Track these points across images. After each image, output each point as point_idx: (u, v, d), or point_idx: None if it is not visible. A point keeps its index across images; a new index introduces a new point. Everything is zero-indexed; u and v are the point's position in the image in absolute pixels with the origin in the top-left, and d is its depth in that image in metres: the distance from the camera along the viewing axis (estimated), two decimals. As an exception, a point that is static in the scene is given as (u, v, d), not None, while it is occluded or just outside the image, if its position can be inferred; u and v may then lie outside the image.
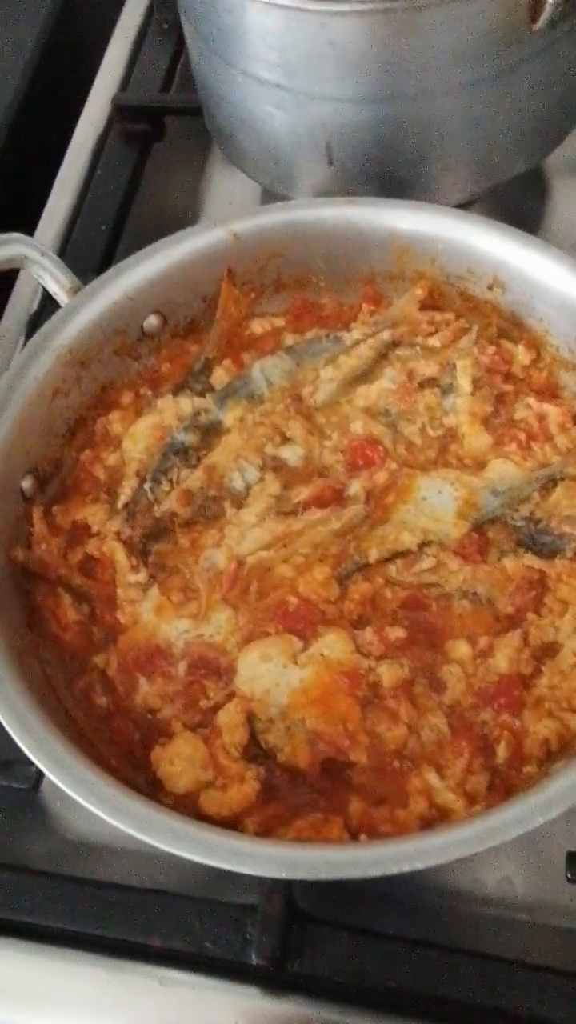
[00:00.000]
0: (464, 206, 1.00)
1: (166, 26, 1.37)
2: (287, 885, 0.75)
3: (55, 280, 0.88)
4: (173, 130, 1.30)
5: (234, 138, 1.09)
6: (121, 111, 1.27)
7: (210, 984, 0.76)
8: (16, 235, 0.89)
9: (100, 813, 0.65)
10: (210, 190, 1.29)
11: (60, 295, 0.89)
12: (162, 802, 0.70)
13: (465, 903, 0.81)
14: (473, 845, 0.60)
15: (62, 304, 0.89)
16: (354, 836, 0.69)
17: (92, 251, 1.15)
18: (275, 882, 0.75)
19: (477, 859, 0.82)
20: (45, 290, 0.92)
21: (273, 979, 0.75)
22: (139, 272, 0.90)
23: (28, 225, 1.20)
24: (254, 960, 0.74)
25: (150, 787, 0.73)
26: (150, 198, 1.26)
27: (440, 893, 0.82)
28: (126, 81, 1.32)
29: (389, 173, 1.01)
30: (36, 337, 0.87)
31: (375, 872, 0.60)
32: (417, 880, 0.82)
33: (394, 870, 0.59)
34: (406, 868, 0.59)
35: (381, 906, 0.80)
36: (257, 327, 0.96)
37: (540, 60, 0.95)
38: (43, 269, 0.88)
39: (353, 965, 0.74)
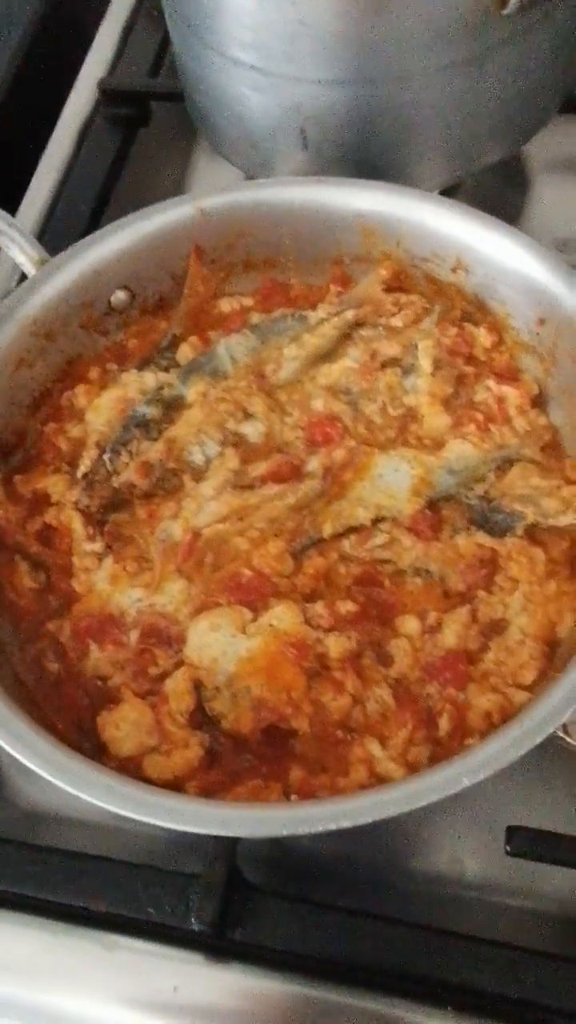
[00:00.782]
0: (444, 196, 1.01)
1: (156, 12, 1.37)
2: (231, 853, 0.76)
3: (22, 251, 0.89)
4: (159, 116, 1.31)
5: (213, 122, 1.10)
6: (107, 95, 1.28)
7: (152, 949, 0.76)
8: (-17, 205, 0.89)
9: (38, 770, 0.66)
10: (194, 177, 1.30)
11: (27, 266, 0.90)
12: (106, 766, 0.71)
13: (415, 881, 0.82)
14: (400, 805, 0.61)
15: (29, 276, 0.90)
16: (294, 803, 0.69)
17: (72, 232, 1.14)
18: (218, 849, 0.76)
19: (427, 838, 0.84)
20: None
21: (215, 946, 0.76)
22: (106, 246, 0.90)
23: (11, 205, 1.20)
24: (195, 926, 0.75)
25: (95, 752, 0.74)
26: (134, 183, 1.27)
27: (391, 871, 0.83)
28: (114, 65, 1.33)
29: (365, 159, 1.01)
30: (0, 308, 0.87)
31: (304, 829, 0.60)
32: (367, 858, 0.82)
33: (320, 828, 0.60)
34: (332, 826, 0.60)
35: (330, 882, 0.81)
36: (225, 306, 0.97)
37: (514, 46, 0.95)
38: (10, 240, 0.89)
39: (294, 934, 0.75)
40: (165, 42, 1.35)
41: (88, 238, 0.91)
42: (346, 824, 0.59)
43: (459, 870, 0.82)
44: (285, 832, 0.61)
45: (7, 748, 0.67)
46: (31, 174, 1.25)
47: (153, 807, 0.63)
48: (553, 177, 1.22)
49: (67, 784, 0.64)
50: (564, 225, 1.15)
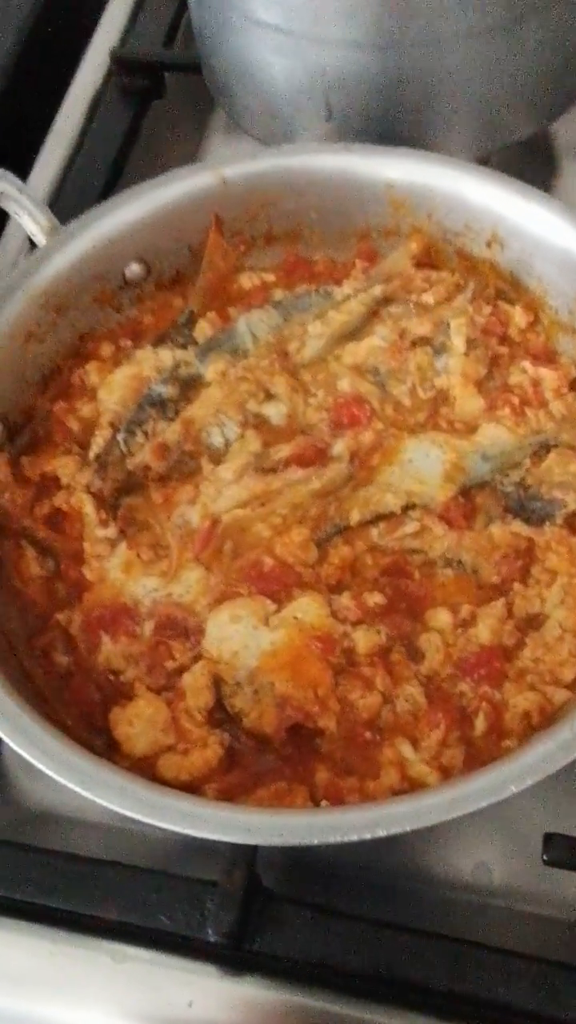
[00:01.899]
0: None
1: (172, -20, 1.33)
2: (249, 860, 0.71)
3: (32, 219, 0.85)
4: (174, 89, 1.26)
5: (232, 90, 1.05)
6: (119, 64, 1.23)
7: (165, 961, 0.72)
8: (-8, 169, 0.85)
9: (43, 767, 0.61)
10: (209, 153, 1.25)
11: (38, 236, 0.85)
12: (118, 765, 0.67)
13: (439, 888, 0.78)
14: (440, 813, 0.56)
15: (39, 245, 0.85)
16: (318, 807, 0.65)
17: (83, 206, 1.10)
18: (236, 856, 0.71)
19: (453, 843, 0.79)
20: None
21: (231, 958, 0.71)
22: (121, 215, 0.86)
23: (20, 176, 1.16)
24: (211, 937, 0.70)
25: (107, 750, 0.70)
26: (146, 157, 1.22)
27: (414, 878, 0.78)
28: (127, 34, 1.28)
29: (390, 129, 0.97)
30: (9, 279, 0.83)
31: (335, 838, 0.56)
32: (390, 863, 0.78)
33: (354, 837, 0.55)
34: (367, 835, 0.55)
35: (351, 889, 0.77)
36: (246, 281, 0.92)
37: (548, 13, 0.91)
38: (20, 207, 0.84)
39: (316, 945, 0.70)
40: (180, 11, 1.30)
41: (101, 206, 0.87)
42: (381, 834, 0.55)
43: (486, 878, 0.78)
44: (316, 841, 0.56)
45: (12, 745, 0.62)
46: (40, 144, 1.21)
47: (170, 811, 0.59)
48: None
49: (76, 784, 0.60)
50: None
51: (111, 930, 0.72)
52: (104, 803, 0.59)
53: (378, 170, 0.87)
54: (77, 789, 0.60)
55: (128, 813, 0.59)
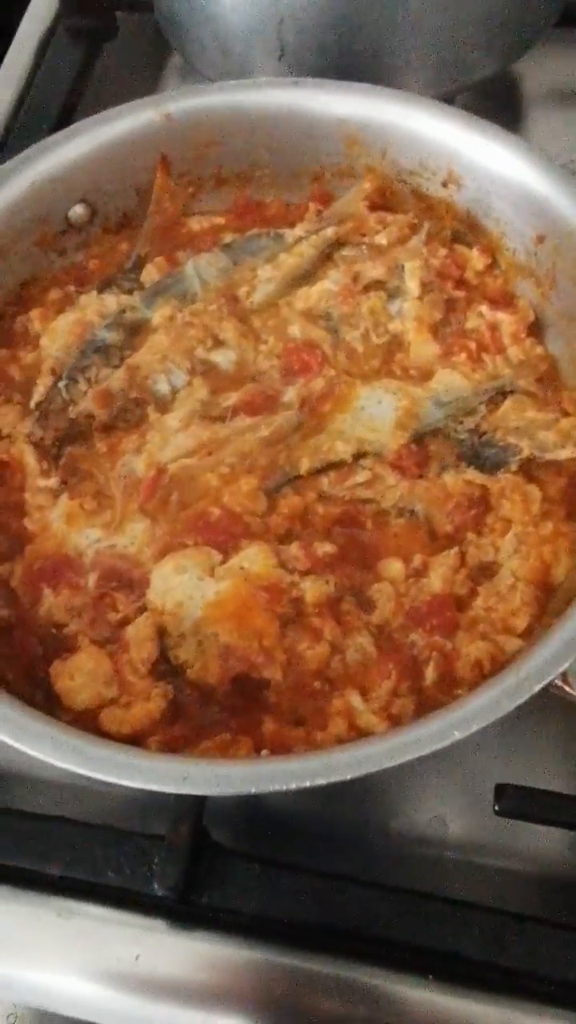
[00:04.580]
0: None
1: None
2: (197, 813, 0.70)
3: (-33, 156, 0.81)
4: (126, 30, 1.21)
5: (184, 28, 1.01)
6: (68, 3, 1.18)
7: (112, 916, 0.71)
8: None
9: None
10: (164, 97, 1.21)
11: (-28, 175, 0.81)
12: (60, 719, 0.65)
13: (394, 842, 0.77)
14: (382, 760, 0.55)
15: (-25, 185, 0.81)
16: (264, 758, 0.64)
17: (31, 151, 1.07)
18: (182, 810, 0.70)
19: (408, 797, 0.79)
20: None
21: (179, 912, 0.70)
22: (62, 153, 0.82)
23: (-35, 121, 1.12)
24: (157, 891, 0.69)
25: (48, 704, 0.68)
26: (99, 101, 1.16)
27: (369, 831, 0.78)
28: (76, -29, 1.23)
29: (346, 67, 0.93)
30: (-57, 219, 0.79)
31: (274, 786, 0.55)
32: (345, 817, 0.77)
33: (294, 785, 0.54)
34: (307, 783, 0.54)
35: (305, 843, 0.76)
36: (195, 224, 0.89)
37: None
38: (-47, 144, 0.80)
39: (265, 899, 0.69)
40: (131, -53, 1.25)
41: (40, 143, 0.83)
42: (321, 781, 0.54)
43: (442, 831, 0.77)
44: (253, 790, 0.55)
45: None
46: (-13, 88, 1.16)
47: (106, 763, 0.57)
48: (549, 102, 1.14)
49: (8, 736, 0.58)
50: (563, 154, 1.07)
51: (58, 886, 0.71)
52: (36, 754, 0.57)
53: (329, 106, 0.84)
54: (8, 741, 0.58)
55: (61, 764, 0.57)
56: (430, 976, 0.67)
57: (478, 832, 0.76)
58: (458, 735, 0.55)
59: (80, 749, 0.57)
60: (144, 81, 1.21)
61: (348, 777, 0.54)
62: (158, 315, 0.82)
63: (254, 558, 0.70)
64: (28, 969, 0.71)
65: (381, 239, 0.83)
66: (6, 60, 1.19)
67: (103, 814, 0.74)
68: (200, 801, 0.70)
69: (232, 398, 0.78)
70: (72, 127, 0.84)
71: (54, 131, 1.07)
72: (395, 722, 0.65)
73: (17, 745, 0.57)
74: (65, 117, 1.12)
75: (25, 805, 0.76)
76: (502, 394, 0.78)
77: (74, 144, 0.83)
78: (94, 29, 1.18)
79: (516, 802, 0.68)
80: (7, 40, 1.20)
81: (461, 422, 0.77)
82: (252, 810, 0.77)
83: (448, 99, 0.99)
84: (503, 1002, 0.67)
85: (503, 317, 0.81)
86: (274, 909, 0.69)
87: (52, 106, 1.11)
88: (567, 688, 0.60)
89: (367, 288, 0.83)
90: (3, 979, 0.71)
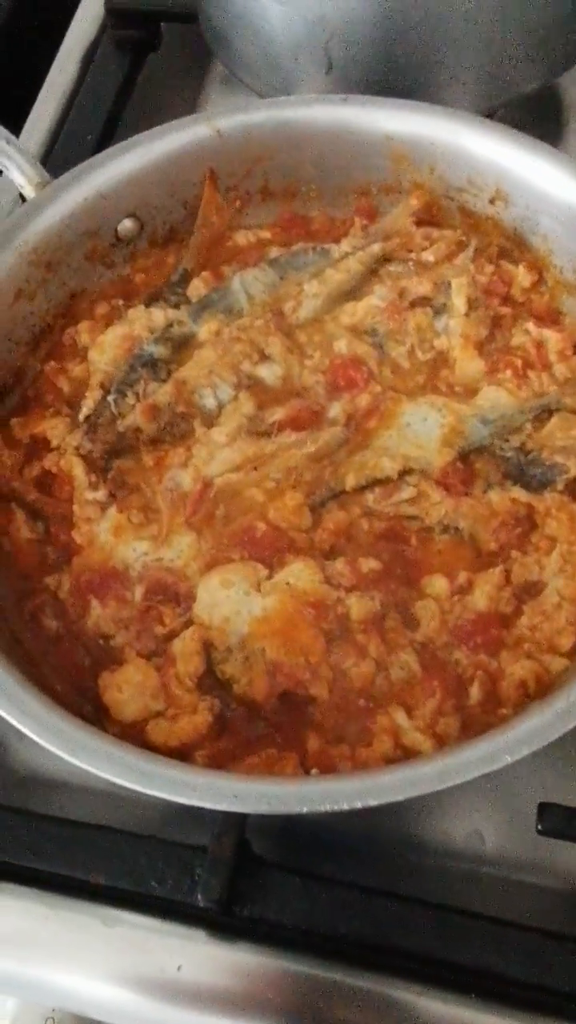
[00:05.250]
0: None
1: None
2: (240, 826, 0.71)
3: (21, 172, 0.82)
4: (170, 40, 1.22)
5: (230, 41, 1.01)
6: (115, 15, 1.19)
7: (154, 926, 0.72)
8: (-21, 118, 0.82)
9: (33, 735, 0.60)
10: (207, 107, 1.22)
11: (27, 189, 0.82)
12: (107, 731, 0.66)
13: (431, 856, 0.77)
14: (433, 783, 0.55)
15: (28, 199, 0.82)
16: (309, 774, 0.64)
17: (76, 161, 1.06)
18: (227, 822, 0.70)
19: (446, 811, 0.78)
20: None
21: (220, 923, 0.71)
22: (113, 168, 0.83)
23: (13, 131, 1.13)
24: (200, 902, 0.69)
25: (96, 715, 0.69)
26: (142, 111, 1.18)
27: (407, 845, 0.78)
28: (122, -17, 1.24)
29: (391, 82, 0.93)
30: (-2, 233, 0.80)
31: (326, 807, 0.55)
32: (381, 830, 0.78)
33: (345, 806, 0.54)
34: (358, 804, 0.54)
35: (341, 855, 0.77)
36: (241, 239, 0.90)
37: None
38: (8, 158, 0.81)
39: (305, 911, 0.70)
40: (178, -41, 1.26)
41: (93, 159, 0.84)
42: (373, 803, 0.54)
43: (479, 846, 0.77)
44: (305, 810, 0.55)
45: (1, 711, 0.61)
46: (32, 98, 1.17)
47: (159, 779, 0.58)
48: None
49: (64, 751, 0.59)
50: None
51: (102, 894, 0.72)
52: (92, 770, 0.58)
53: (378, 122, 0.84)
54: (64, 755, 0.59)
55: (116, 780, 0.58)
56: (469, 994, 0.67)
57: (516, 848, 0.75)
58: (509, 759, 0.55)
59: (135, 766, 0.58)
60: (186, 91, 1.22)
61: (399, 799, 0.55)
62: (205, 329, 0.83)
63: (300, 574, 0.71)
64: (70, 974, 0.72)
65: (429, 256, 0.83)
66: (51, 71, 1.20)
67: (141, 822, 0.75)
68: (243, 814, 0.71)
69: (278, 413, 0.79)
70: (124, 143, 0.85)
71: (100, 141, 1.10)
72: (440, 741, 0.66)
73: (73, 760, 0.58)
74: (109, 127, 1.13)
75: (68, 812, 0.76)
76: (548, 412, 0.78)
77: (126, 159, 0.84)
78: (139, 40, 1.19)
79: (560, 822, 0.68)
80: (52, 51, 1.22)
81: (507, 440, 0.77)
82: (290, 821, 0.77)
83: (490, 113, 0.99)
84: (540, 1023, 0.67)
85: (549, 334, 0.81)
86: (314, 922, 0.70)
87: (97, 116, 1.12)
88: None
89: (413, 304, 0.83)
90: (51, 984, 0.71)
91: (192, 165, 0.86)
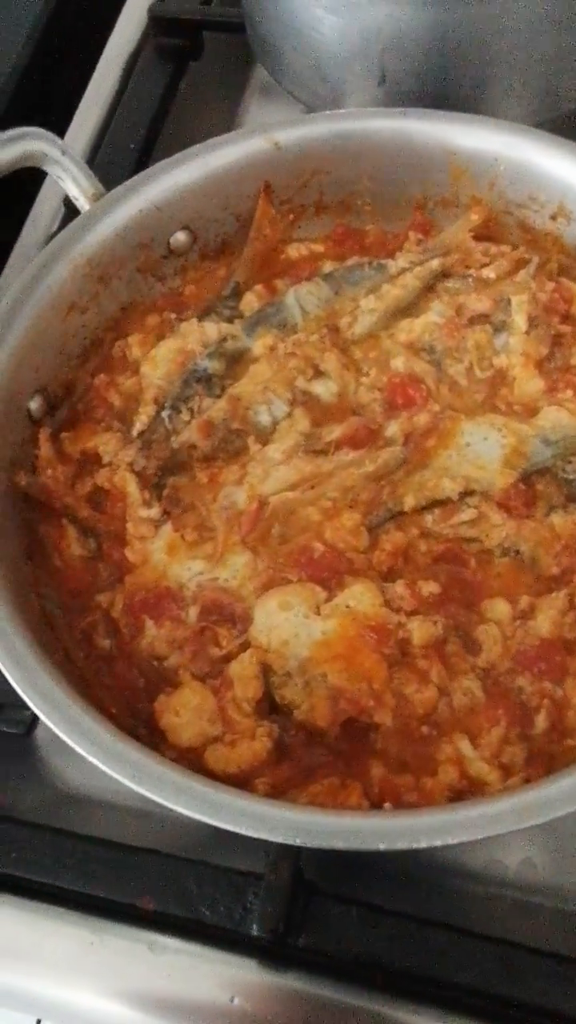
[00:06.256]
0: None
1: None
2: (296, 854, 0.69)
3: (76, 184, 0.81)
4: (212, 49, 1.21)
5: (278, 50, 1.00)
6: (157, 23, 1.18)
7: (205, 954, 0.70)
8: (35, 129, 0.80)
9: (95, 760, 0.59)
10: (248, 116, 1.20)
11: (81, 201, 0.81)
12: (163, 755, 0.64)
13: (483, 884, 0.75)
14: (513, 821, 0.53)
15: (82, 211, 0.81)
16: (374, 804, 0.63)
17: (119, 170, 1.06)
18: (283, 849, 0.69)
19: (498, 839, 0.76)
20: (69, 205, 0.85)
21: (274, 953, 0.69)
22: (169, 180, 0.82)
23: (54, 139, 1.12)
24: (255, 931, 0.68)
25: (151, 738, 0.67)
26: (184, 119, 1.18)
27: (457, 873, 0.76)
28: (165, -10, 1.23)
29: (445, 94, 0.92)
30: (52, 245, 0.79)
31: (401, 845, 0.53)
32: (433, 858, 0.76)
33: (423, 844, 0.53)
34: (437, 842, 0.53)
35: (392, 883, 0.74)
36: (294, 252, 0.89)
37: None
38: (63, 170, 0.80)
39: (360, 943, 0.68)
40: (220, -33, 1.25)
41: (148, 171, 0.83)
42: (452, 841, 0.52)
43: (532, 875, 0.75)
44: (383, 847, 0.54)
45: (61, 735, 0.60)
46: (75, 106, 1.16)
47: (225, 811, 0.56)
48: None
49: (128, 779, 0.57)
50: None
51: (150, 920, 0.70)
52: (158, 799, 0.57)
53: (439, 136, 0.83)
54: (130, 784, 0.57)
55: (181, 810, 0.56)
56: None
57: (569, 878, 0.74)
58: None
59: (204, 796, 0.56)
60: (227, 99, 1.21)
61: (481, 836, 0.53)
62: (259, 344, 0.81)
63: (360, 597, 0.69)
64: (120, 1004, 0.70)
65: (490, 272, 0.82)
66: (93, 79, 1.19)
67: (187, 843, 0.73)
68: (300, 843, 0.69)
69: (334, 431, 0.77)
70: (180, 155, 0.84)
71: (142, 150, 1.09)
72: (506, 771, 0.64)
73: (139, 789, 0.57)
74: (152, 135, 1.12)
75: (110, 832, 0.74)
76: (610, 433, 0.77)
77: (181, 171, 0.83)
78: (181, 48, 1.18)
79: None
80: (95, 59, 1.21)
81: (570, 462, 0.75)
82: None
83: (541, 125, 0.98)
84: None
85: (611, 353, 0.79)
86: (368, 953, 0.68)
87: (139, 125, 1.12)
88: None
89: (472, 321, 0.81)
90: (96, 1012, 0.70)
91: (248, 178, 0.85)
